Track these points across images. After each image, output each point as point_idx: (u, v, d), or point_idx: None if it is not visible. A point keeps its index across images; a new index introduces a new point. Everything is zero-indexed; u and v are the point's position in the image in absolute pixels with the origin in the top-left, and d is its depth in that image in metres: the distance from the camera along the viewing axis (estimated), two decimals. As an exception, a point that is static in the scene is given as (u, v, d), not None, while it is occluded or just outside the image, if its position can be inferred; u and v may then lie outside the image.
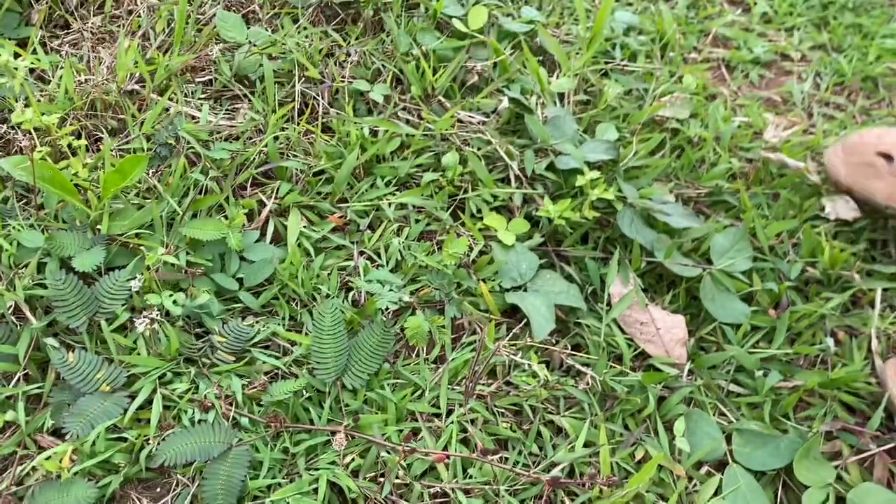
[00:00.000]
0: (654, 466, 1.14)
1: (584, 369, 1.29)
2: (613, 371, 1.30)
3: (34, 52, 1.56)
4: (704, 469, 1.24)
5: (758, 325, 1.42)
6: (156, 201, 1.35)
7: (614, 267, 1.41)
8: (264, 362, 1.23)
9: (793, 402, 1.30)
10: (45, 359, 1.20)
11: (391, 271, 1.36)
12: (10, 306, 1.24)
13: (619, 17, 2.06)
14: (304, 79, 1.57)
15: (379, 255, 1.40)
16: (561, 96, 1.72)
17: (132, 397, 1.16)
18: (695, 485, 1.22)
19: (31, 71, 1.58)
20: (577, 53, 1.84)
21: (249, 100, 1.58)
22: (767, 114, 1.90)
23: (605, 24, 1.82)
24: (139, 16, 1.64)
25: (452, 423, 1.19)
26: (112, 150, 1.44)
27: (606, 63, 1.88)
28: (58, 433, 1.15)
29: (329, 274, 1.35)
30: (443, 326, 1.28)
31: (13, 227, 1.29)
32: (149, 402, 1.17)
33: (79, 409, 1.13)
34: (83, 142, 1.38)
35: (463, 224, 1.46)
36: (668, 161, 1.63)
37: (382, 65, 1.63)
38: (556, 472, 1.17)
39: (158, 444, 1.11)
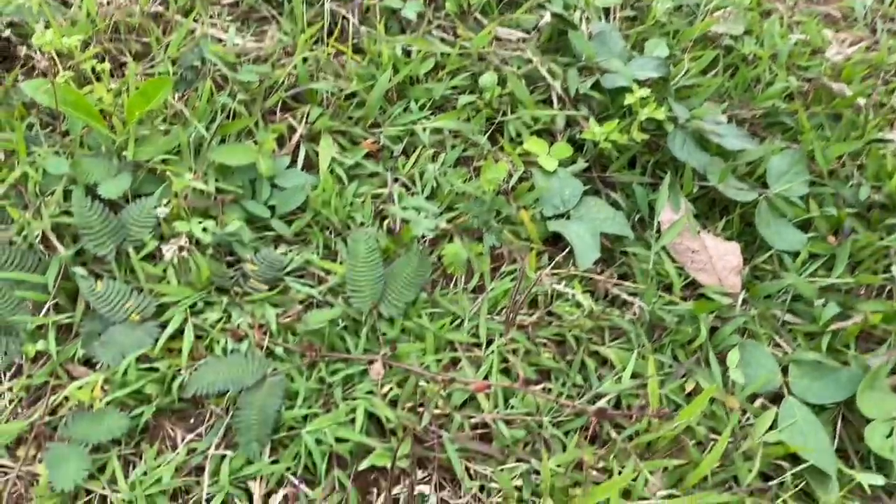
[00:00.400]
0: (707, 399, 1.09)
1: (631, 299, 1.23)
2: (662, 301, 1.24)
3: (53, -28, 1.49)
4: (758, 402, 1.17)
5: (816, 252, 1.34)
6: (182, 126, 1.30)
7: (665, 192, 1.33)
8: (298, 291, 1.19)
9: (854, 333, 1.22)
10: (74, 288, 1.17)
11: (427, 199, 1.30)
12: (38, 235, 1.20)
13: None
14: (333, -3, 1.49)
15: (414, 183, 1.34)
16: (606, 11, 1.62)
17: (163, 327, 1.13)
18: (748, 418, 1.16)
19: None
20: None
21: (277, 21, 1.50)
22: (826, 30, 1.77)
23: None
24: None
25: (493, 352, 1.14)
26: (137, 75, 1.39)
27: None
28: (90, 363, 1.12)
29: (363, 201, 1.29)
30: (481, 254, 1.22)
31: (38, 155, 1.25)
32: (180, 331, 1.13)
33: (109, 339, 1.10)
34: (107, 65, 1.32)
35: (502, 149, 1.39)
36: (721, 80, 1.52)
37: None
38: (601, 403, 1.12)
39: (190, 374, 1.08)
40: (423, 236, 1.23)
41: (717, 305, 1.22)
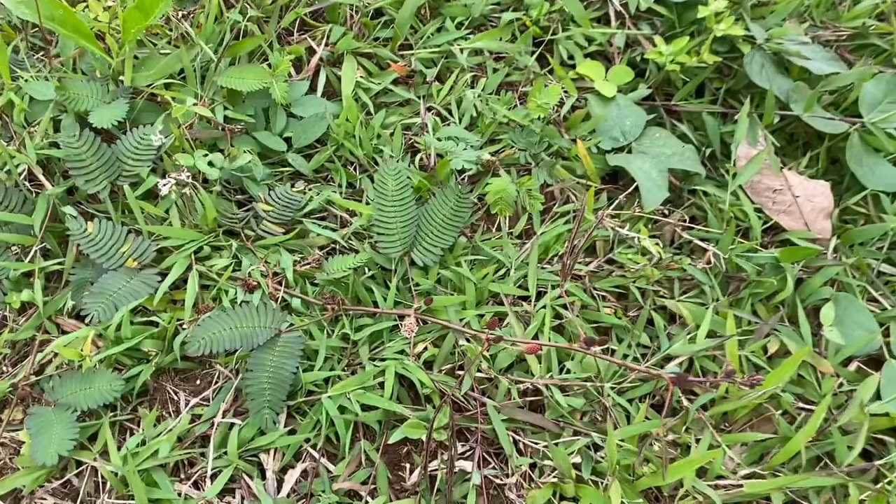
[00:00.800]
0: (798, 362, 0.92)
1: (703, 245, 1.06)
2: (741, 248, 1.06)
3: None
4: (853, 365, 1.00)
5: (918, 193, 1.15)
6: (187, 47, 1.14)
7: (744, 122, 1.14)
8: (318, 235, 1.03)
9: (967, 286, 1.04)
10: (64, 231, 1.03)
11: (465, 129, 1.12)
12: (24, 170, 1.06)
13: None
14: None
15: (450, 112, 1.16)
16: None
17: (163, 275, 0.98)
18: (840, 384, 0.99)
19: None
20: None
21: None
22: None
23: None
24: None
25: (544, 307, 0.97)
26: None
27: None
28: (82, 317, 0.98)
29: (391, 133, 1.12)
30: (531, 191, 1.05)
31: (23, 79, 1.10)
32: (183, 280, 0.99)
33: (100, 288, 0.95)
34: (101, -21, 1.16)
35: (551, 73, 1.21)
36: (804, -5, 1.32)
37: None
38: (672, 366, 0.95)
39: (194, 329, 0.93)
40: (463, 171, 1.06)
41: (806, 252, 1.04)
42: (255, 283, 0.97)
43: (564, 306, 0.99)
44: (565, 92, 1.18)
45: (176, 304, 0.98)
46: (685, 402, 0.94)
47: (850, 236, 1.10)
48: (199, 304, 0.96)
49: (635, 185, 1.09)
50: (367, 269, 1.00)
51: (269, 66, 1.15)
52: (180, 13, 1.21)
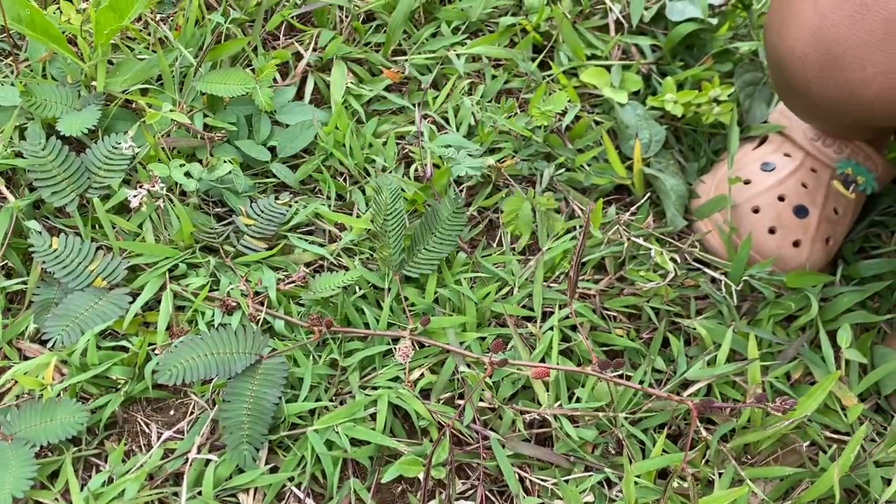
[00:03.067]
0: (827, 389, 0.84)
1: (713, 273, 0.98)
2: (754, 268, 0.99)
3: None
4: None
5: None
6: (164, 51, 1.06)
7: (735, 141, 1.07)
8: (304, 250, 0.95)
9: None
10: (29, 248, 0.94)
11: (464, 138, 1.05)
12: (-16, 182, 0.98)
13: None
14: None
15: (447, 121, 1.09)
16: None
17: (134, 295, 0.90)
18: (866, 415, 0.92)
19: None
20: None
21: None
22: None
23: None
24: None
25: (551, 329, 0.89)
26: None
27: None
28: (45, 341, 0.89)
29: (384, 142, 1.05)
30: (548, 210, 0.97)
31: (-13, 84, 1.02)
32: (156, 300, 0.90)
33: (65, 310, 0.87)
34: (74, -21, 1.08)
35: (553, 80, 1.14)
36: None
37: None
38: (690, 392, 0.88)
39: (166, 355, 0.85)
40: (461, 181, 0.99)
41: (815, 279, 0.97)
42: (234, 304, 0.89)
43: (573, 327, 0.91)
44: (569, 101, 1.10)
45: (148, 326, 0.90)
46: (703, 433, 0.86)
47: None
48: (173, 327, 0.88)
49: (646, 198, 1.02)
50: (357, 288, 0.92)
51: (253, 71, 1.08)
52: (158, 16, 1.13)
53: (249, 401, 0.81)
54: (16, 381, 0.87)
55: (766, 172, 1.03)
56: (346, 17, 1.15)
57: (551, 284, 0.95)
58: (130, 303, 0.89)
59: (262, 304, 0.90)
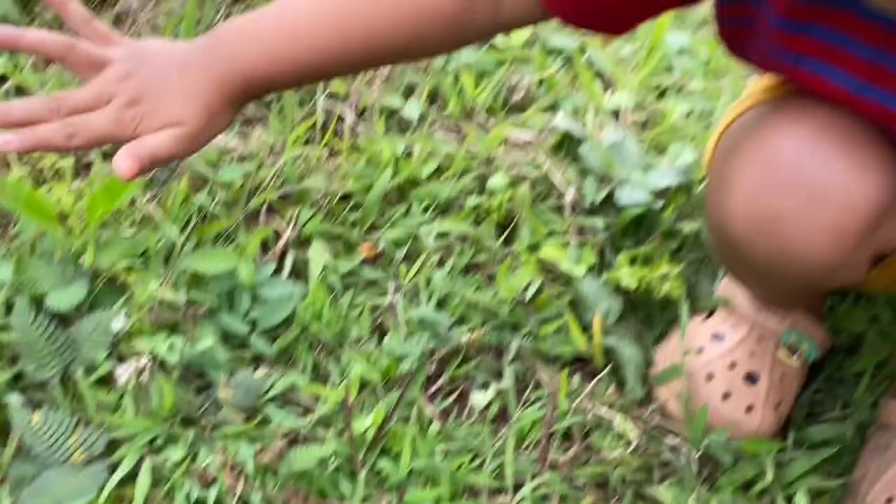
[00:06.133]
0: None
1: (674, 441, 1.04)
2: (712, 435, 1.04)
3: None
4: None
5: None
6: (151, 230, 1.13)
7: (684, 317, 1.16)
8: (281, 422, 0.98)
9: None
10: (7, 421, 0.95)
11: (435, 309, 1.12)
12: (-33, 355, 1.00)
13: (670, 39, 1.86)
14: (326, 93, 1.36)
15: (418, 293, 1.16)
16: (616, 115, 1.50)
17: (113, 469, 0.91)
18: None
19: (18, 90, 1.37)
20: (633, 71, 1.63)
21: (264, 122, 1.36)
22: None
23: (662, 40, 1.62)
24: (139, 34, 1.45)
25: (523, 499, 0.92)
26: (104, 174, 1.22)
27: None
28: (17, 518, 0.89)
29: (359, 313, 1.11)
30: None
31: (-24, 261, 1.06)
32: (134, 474, 0.91)
33: (40, 488, 0.87)
34: (69, 162, 1.17)
35: (516, 256, 1.22)
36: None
37: (416, 80, 1.42)
38: (659, 563, 0.90)
39: (143, 530, 0.85)
40: (433, 352, 1.04)
41: (773, 445, 1.02)
42: (211, 477, 0.91)
43: (544, 497, 0.94)
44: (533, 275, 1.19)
45: (123, 501, 0.91)
46: None
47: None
48: (150, 501, 0.88)
49: (607, 368, 1.08)
50: (333, 460, 0.95)
51: (237, 247, 1.15)
52: (147, 195, 1.21)
53: (226, 579, 0.81)
54: (-17, 562, 0.85)
55: (717, 341, 1.10)
56: (325, 196, 1.24)
57: (522, 453, 0.98)
58: (108, 477, 0.90)
59: (239, 476, 0.91)
